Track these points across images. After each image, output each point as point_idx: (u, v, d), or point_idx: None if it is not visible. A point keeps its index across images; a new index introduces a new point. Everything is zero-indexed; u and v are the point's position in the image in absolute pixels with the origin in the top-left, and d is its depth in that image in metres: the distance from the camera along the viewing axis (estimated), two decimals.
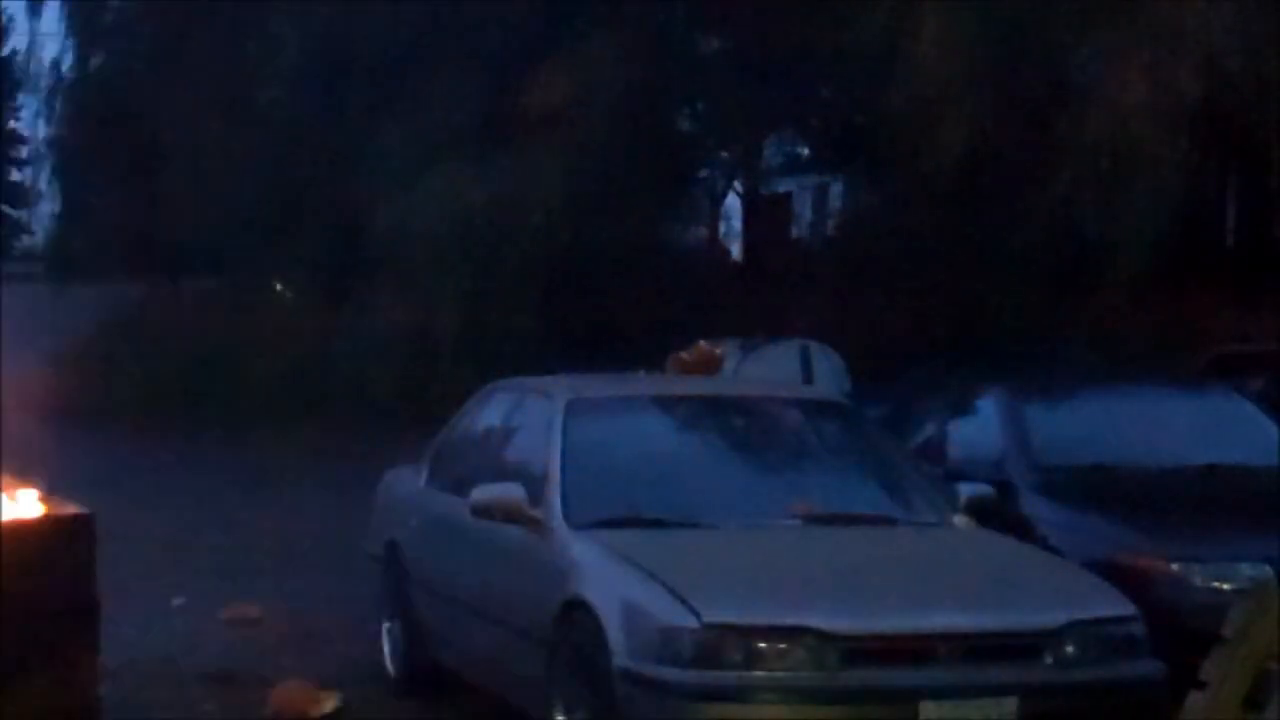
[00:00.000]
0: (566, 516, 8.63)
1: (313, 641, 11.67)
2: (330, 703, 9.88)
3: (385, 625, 10.84)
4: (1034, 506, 10.43)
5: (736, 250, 34.83)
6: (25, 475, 8.34)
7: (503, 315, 24.06)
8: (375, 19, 25.96)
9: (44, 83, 31.72)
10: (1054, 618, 7.75)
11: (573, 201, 23.85)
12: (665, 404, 10.10)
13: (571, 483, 8.81)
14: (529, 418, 9.79)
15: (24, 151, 46.13)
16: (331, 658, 11.20)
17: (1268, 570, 9.09)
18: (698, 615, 7.49)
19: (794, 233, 37.29)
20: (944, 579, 8.21)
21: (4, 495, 8.12)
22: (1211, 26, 20.09)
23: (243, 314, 29.41)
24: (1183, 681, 7.14)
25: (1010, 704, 7.52)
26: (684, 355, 16.64)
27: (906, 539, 8.90)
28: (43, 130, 33.28)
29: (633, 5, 24.92)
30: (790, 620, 7.49)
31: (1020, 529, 9.77)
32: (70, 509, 8.23)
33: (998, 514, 9.39)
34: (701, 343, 17.53)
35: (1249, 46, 20.06)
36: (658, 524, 8.64)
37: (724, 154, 31.09)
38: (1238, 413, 11.82)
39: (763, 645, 7.43)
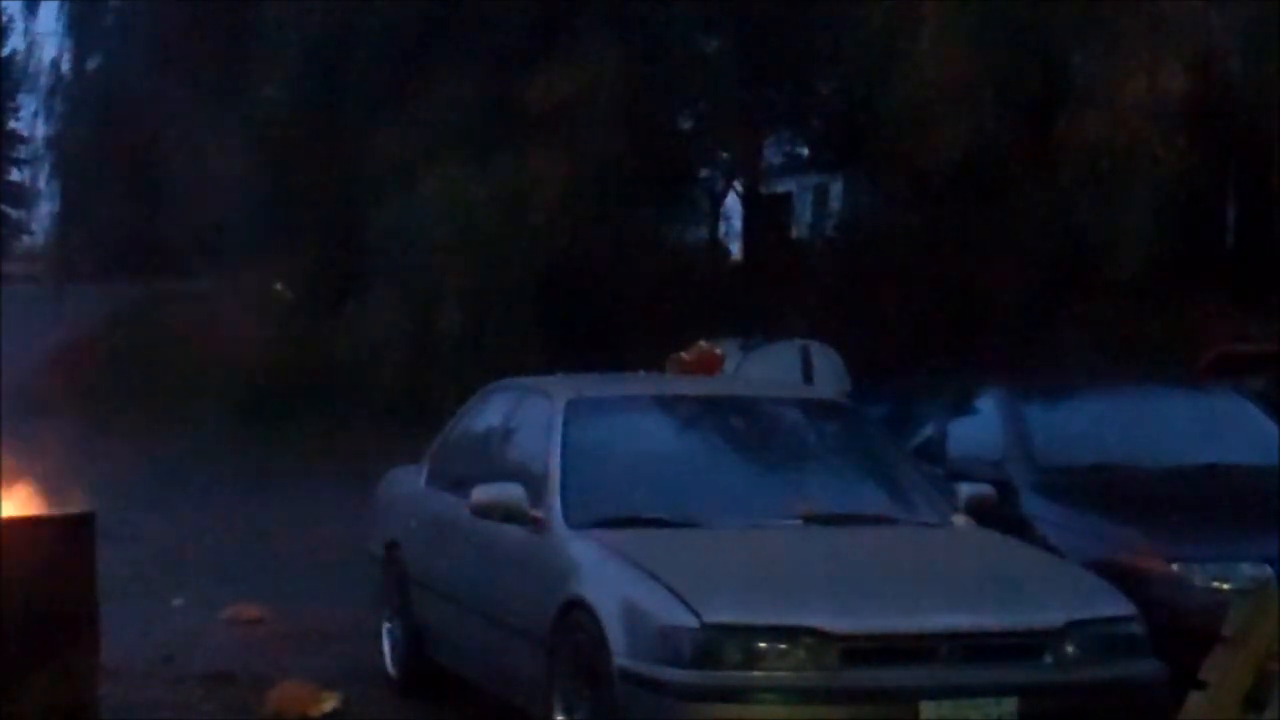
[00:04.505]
0: (566, 516, 8.63)
1: (313, 641, 11.68)
2: (330, 703, 9.89)
3: (385, 625, 10.85)
4: (1034, 506, 10.43)
5: (736, 250, 34.78)
6: (25, 475, 8.34)
7: (503, 315, 24.04)
8: (375, 18, 25.94)
9: (43, 82, 31.69)
10: (1054, 618, 7.75)
11: (573, 201, 23.82)
12: (665, 404, 10.10)
13: (571, 482, 8.82)
14: (529, 417, 9.79)
15: (23, 151, 46.12)
16: (331, 658, 11.21)
17: (1268, 570, 9.11)
18: (698, 615, 7.49)
19: (794, 233, 37.26)
20: (944, 579, 8.22)
21: (4, 495, 8.12)
22: (1211, 26, 20.10)
23: (243, 314, 29.38)
24: (1183, 681, 7.14)
25: (1010, 704, 7.52)
26: (684, 355, 16.67)
27: (907, 539, 8.90)
28: (42, 130, 33.24)
29: (633, 5, 24.90)
30: (790, 620, 7.49)
31: (1020, 529, 9.77)
32: (70, 509, 8.23)
33: (998, 514, 9.39)
34: (701, 343, 17.57)
35: (1248, 46, 20.06)
36: (657, 524, 8.63)
37: (724, 154, 31.04)
38: (1238, 413, 11.82)
39: (763, 645, 7.43)
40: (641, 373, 13.63)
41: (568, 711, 8.09)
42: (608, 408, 9.81)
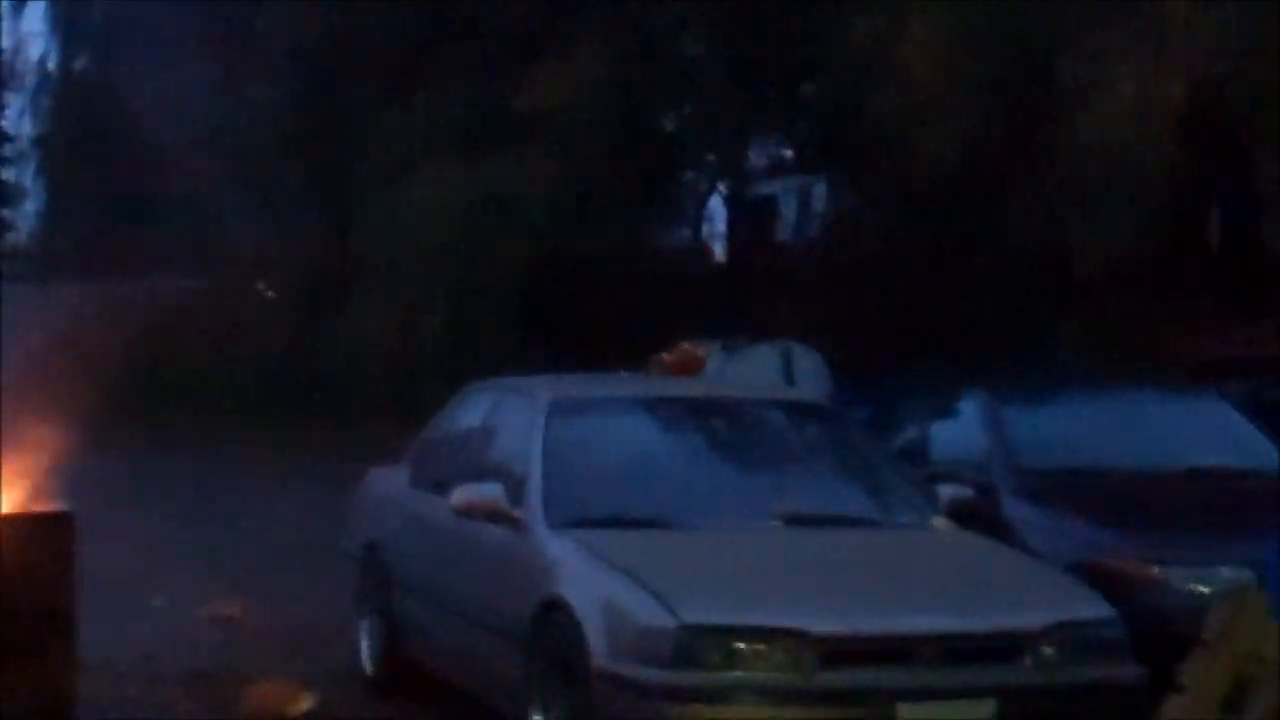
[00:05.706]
0: (546, 516, 8.62)
1: (291, 641, 11.64)
2: (307, 702, 9.86)
3: (363, 625, 10.82)
4: (1015, 509, 10.41)
5: (720, 252, 34.86)
6: (9, 472, 8.31)
7: (487, 315, 24.06)
8: (365, 20, 25.95)
9: (30, 81, 31.72)
10: (1033, 620, 7.76)
11: (558, 202, 23.86)
12: (647, 405, 10.09)
13: (552, 483, 8.81)
14: (510, 417, 9.78)
15: (9, 149, 46.05)
16: (309, 657, 11.17)
17: (1247, 574, 9.08)
18: (677, 616, 7.48)
19: (778, 235, 37.29)
20: (924, 581, 8.22)
21: None
22: (1200, 31, 20.10)
23: (228, 313, 29.38)
24: (1162, 684, 7.14)
25: (988, 706, 7.52)
26: (666, 356, 16.65)
27: (887, 541, 8.90)
28: (28, 128, 33.26)
29: (621, 7, 24.93)
30: (769, 621, 7.48)
31: (1001, 531, 9.75)
32: (49, 506, 8.22)
33: (978, 516, 9.39)
34: (684, 344, 17.55)
35: (1238, 49, 20.07)
36: (637, 524, 8.62)
37: (709, 156, 31.07)
38: (1220, 417, 11.81)
39: (741, 646, 7.42)
40: (623, 373, 13.62)
41: (545, 711, 8.08)
42: (589, 408, 9.81)
